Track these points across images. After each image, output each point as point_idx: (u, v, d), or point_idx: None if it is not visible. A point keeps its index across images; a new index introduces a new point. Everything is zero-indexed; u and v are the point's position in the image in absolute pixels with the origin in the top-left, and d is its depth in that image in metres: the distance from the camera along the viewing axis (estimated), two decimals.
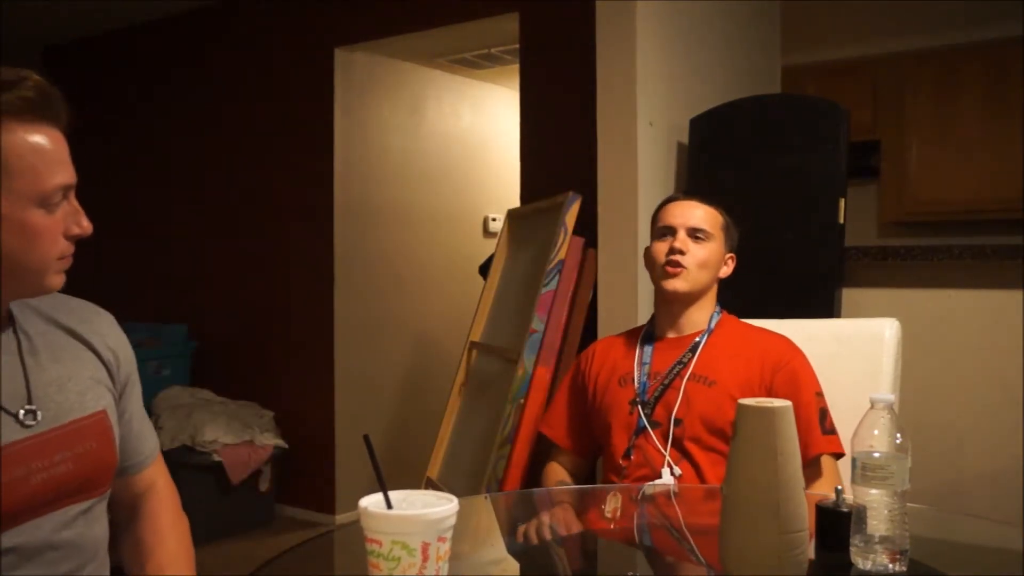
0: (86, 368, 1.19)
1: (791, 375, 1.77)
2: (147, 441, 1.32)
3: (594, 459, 1.96)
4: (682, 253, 1.82)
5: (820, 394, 1.76)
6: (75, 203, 1.09)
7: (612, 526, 1.55)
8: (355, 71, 4.15)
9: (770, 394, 1.74)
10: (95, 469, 1.16)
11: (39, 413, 1.10)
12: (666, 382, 1.80)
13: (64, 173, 1.06)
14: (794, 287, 2.67)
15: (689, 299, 1.85)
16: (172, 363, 4.40)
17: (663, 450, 1.75)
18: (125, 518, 1.31)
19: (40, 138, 1.04)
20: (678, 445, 1.75)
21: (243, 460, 3.83)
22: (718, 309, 1.89)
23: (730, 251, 1.91)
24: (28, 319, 1.16)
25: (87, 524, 1.16)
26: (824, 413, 1.74)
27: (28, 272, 1.07)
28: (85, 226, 1.09)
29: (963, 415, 2.70)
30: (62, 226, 1.07)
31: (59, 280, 1.11)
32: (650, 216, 1.98)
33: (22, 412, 1.09)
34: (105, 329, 1.25)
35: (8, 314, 1.13)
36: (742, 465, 1.05)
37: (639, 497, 1.68)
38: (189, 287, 4.70)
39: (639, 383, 1.82)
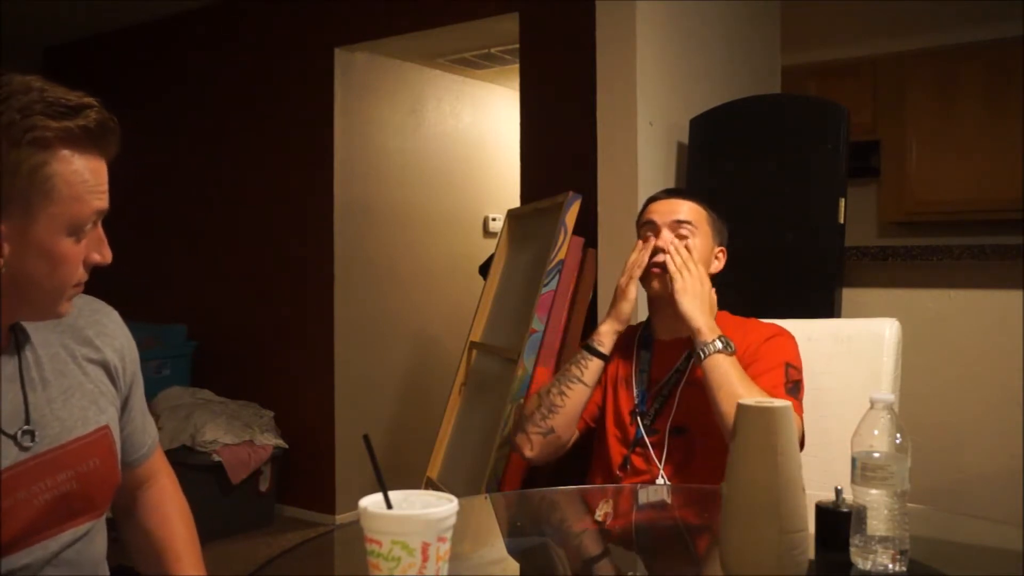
0: (90, 381, 1.18)
1: (765, 348, 1.73)
2: (149, 432, 1.33)
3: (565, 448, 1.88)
4: (666, 252, 1.77)
5: (793, 367, 1.71)
6: (101, 231, 1.08)
7: (605, 528, 1.55)
8: (355, 71, 4.15)
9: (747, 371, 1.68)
10: (99, 487, 1.16)
11: (36, 433, 1.09)
12: (665, 392, 1.78)
13: (100, 200, 1.05)
14: (794, 287, 2.67)
15: None
16: (172, 363, 4.40)
17: (658, 460, 1.73)
18: (125, 505, 1.31)
19: (88, 167, 1.04)
20: (678, 452, 1.74)
21: (243, 460, 3.83)
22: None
23: (719, 245, 1.86)
24: (35, 329, 1.15)
25: (87, 542, 1.16)
26: (796, 385, 1.68)
27: (43, 296, 1.06)
28: (106, 255, 1.08)
29: (963, 415, 2.69)
30: (85, 253, 1.06)
31: (69, 307, 1.10)
32: None
33: (20, 433, 1.07)
34: (111, 329, 1.24)
35: (10, 331, 1.12)
36: (742, 465, 1.05)
37: (637, 493, 1.68)
38: (189, 287, 4.70)
39: (638, 392, 1.80)
